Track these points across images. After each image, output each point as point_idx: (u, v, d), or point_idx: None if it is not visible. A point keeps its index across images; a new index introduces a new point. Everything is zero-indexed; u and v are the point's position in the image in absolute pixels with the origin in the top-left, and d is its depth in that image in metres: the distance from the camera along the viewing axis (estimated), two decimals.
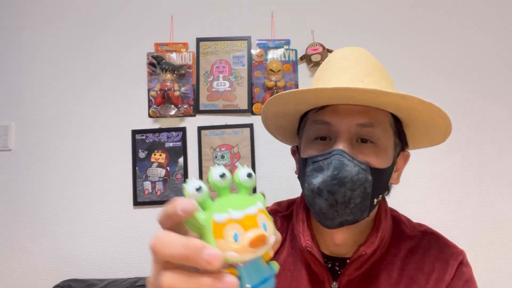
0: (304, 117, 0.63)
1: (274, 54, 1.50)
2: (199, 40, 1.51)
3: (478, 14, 1.53)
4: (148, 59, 1.47)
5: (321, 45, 1.46)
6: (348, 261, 0.60)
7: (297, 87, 1.48)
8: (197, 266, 0.25)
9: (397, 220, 0.67)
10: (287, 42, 1.52)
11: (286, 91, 0.55)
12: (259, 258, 0.29)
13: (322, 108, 0.57)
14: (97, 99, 1.50)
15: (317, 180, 0.53)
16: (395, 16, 1.53)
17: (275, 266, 0.31)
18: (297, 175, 0.64)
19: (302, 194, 0.64)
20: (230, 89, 1.49)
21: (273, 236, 0.29)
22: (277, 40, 1.51)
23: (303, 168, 0.57)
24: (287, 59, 1.50)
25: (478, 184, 1.45)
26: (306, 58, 1.48)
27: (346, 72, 0.56)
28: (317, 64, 1.46)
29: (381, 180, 0.56)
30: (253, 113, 1.47)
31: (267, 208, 0.67)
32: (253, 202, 0.29)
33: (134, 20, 1.54)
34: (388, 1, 1.54)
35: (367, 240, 0.59)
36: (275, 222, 0.65)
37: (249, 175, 0.30)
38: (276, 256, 0.62)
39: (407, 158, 0.64)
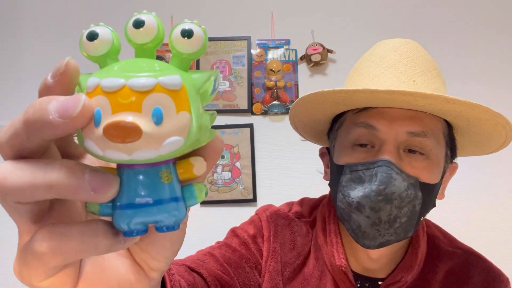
0: (338, 117, 0.56)
1: (274, 54, 1.50)
2: None
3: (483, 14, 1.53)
4: None
5: (321, 45, 1.46)
6: (380, 283, 0.54)
7: (297, 87, 1.48)
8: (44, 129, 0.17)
9: (430, 234, 0.59)
10: (287, 42, 1.52)
11: (328, 89, 0.47)
12: (155, 170, 0.18)
13: (365, 109, 0.50)
14: None
15: (357, 193, 0.47)
16: (395, 16, 1.53)
17: (198, 193, 0.19)
18: (327, 182, 0.58)
19: (331, 201, 0.59)
20: (230, 89, 1.49)
21: (176, 139, 0.17)
22: (277, 40, 1.52)
23: (337, 176, 0.51)
24: (287, 59, 1.50)
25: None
26: (306, 58, 1.48)
27: (395, 69, 0.49)
28: (317, 64, 1.46)
29: (431, 196, 0.50)
30: (253, 113, 1.47)
31: (278, 208, 0.62)
32: (160, 72, 0.18)
33: None
34: (388, 1, 1.54)
35: (404, 262, 0.54)
36: (300, 228, 0.60)
37: (188, 34, 0.20)
38: (301, 268, 0.57)
39: (454, 170, 0.56)
